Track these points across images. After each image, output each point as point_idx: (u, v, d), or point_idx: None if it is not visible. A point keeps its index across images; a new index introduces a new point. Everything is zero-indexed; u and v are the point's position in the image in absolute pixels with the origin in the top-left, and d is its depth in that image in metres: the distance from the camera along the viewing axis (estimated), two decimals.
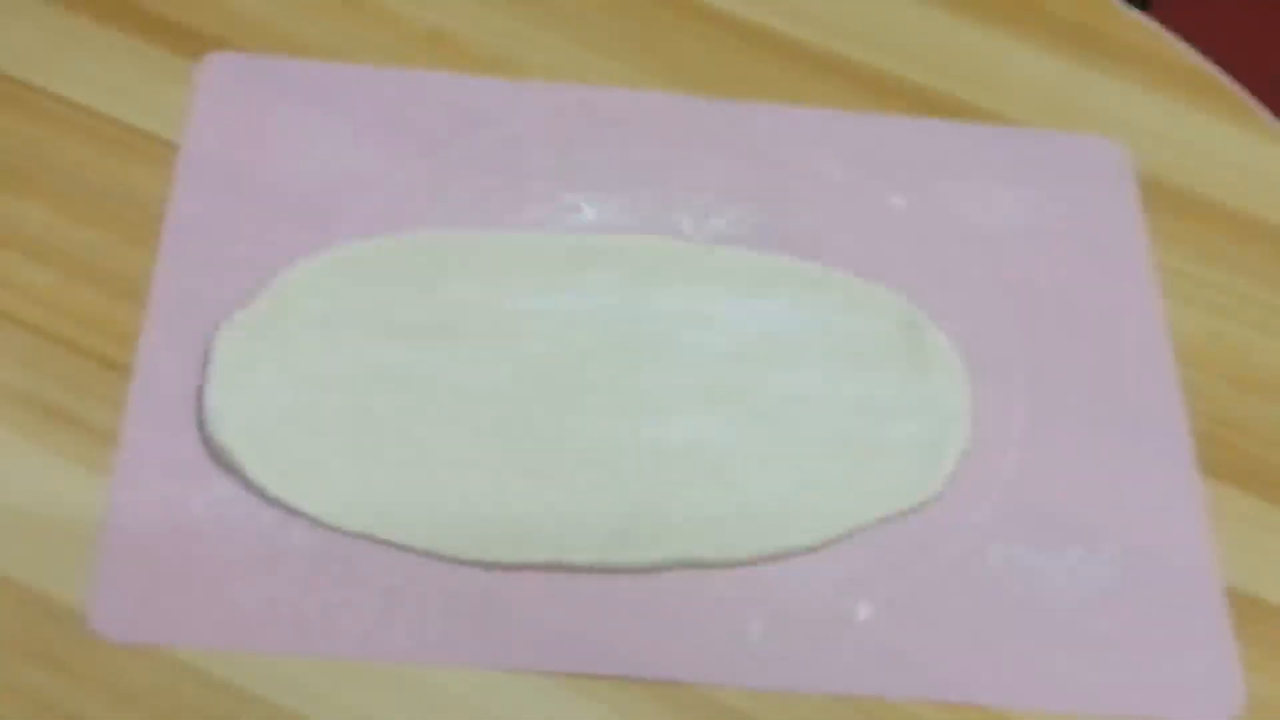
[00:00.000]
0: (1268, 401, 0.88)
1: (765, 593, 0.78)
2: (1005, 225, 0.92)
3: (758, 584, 0.78)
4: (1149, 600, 0.80)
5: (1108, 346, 0.88)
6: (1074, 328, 0.89)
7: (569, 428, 0.82)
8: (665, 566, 0.78)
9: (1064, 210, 0.93)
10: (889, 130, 0.95)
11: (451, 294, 0.85)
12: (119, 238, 0.84)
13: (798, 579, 0.79)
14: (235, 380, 0.80)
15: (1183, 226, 0.94)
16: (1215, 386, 0.88)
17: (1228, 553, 0.82)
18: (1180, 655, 0.79)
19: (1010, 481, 0.83)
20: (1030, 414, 0.85)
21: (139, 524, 0.76)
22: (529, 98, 0.93)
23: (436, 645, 0.75)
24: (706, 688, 0.76)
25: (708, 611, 0.77)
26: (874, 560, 0.80)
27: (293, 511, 0.77)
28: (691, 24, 0.93)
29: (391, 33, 0.94)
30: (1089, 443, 0.85)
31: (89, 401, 0.79)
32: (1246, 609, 0.81)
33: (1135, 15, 1.03)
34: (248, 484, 0.78)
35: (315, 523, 0.77)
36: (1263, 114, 0.99)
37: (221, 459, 0.78)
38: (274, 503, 0.77)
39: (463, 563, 0.77)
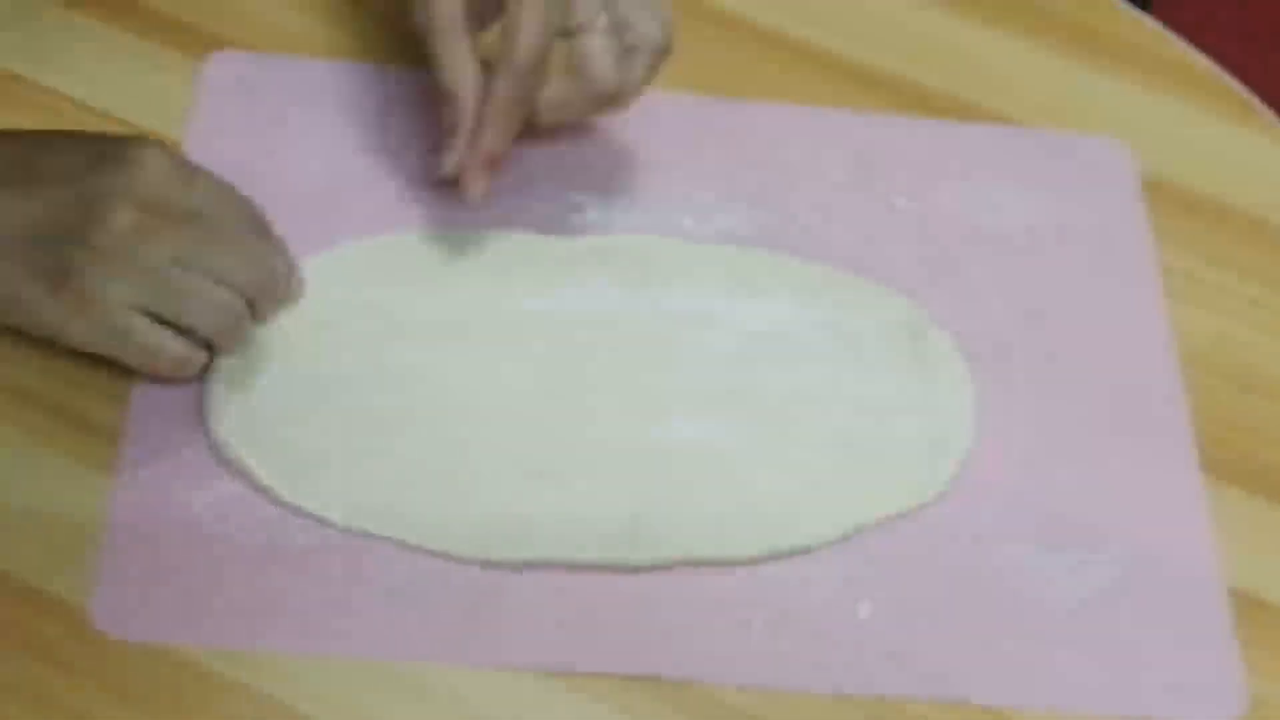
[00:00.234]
0: (1272, 403, 0.88)
1: (767, 592, 0.78)
2: (1008, 226, 0.92)
3: (759, 583, 0.78)
4: (1152, 601, 0.80)
5: (1111, 347, 0.88)
6: (1077, 328, 0.89)
7: (571, 427, 0.82)
8: (667, 566, 0.78)
9: (1067, 211, 0.93)
10: (892, 130, 0.95)
11: (453, 294, 0.85)
12: None
13: (799, 578, 0.79)
14: (238, 379, 0.80)
15: (1187, 228, 0.94)
16: (1219, 387, 0.88)
17: (1231, 554, 0.82)
18: (1183, 656, 0.79)
19: (1013, 482, 0.83)
20: (1033, 415, 0.85)
21: (141, 522, 0.76)
22: None
23: (437, 644, 0.75)
24: (708, 687, 0.76)
25: (709, 611, 0.77)
26: (876, 560, 0.80)
27: (294, 510, 0.77)
28: (694, 24, 0.93)
29: (394, 33, 0.94)
30: (1092, 443, 0.85)
31: (91, 400, 0.79)
32: (1249, 610, 0.81)
33: (1137, 15, 1.02)
34: (249, 483, 0.78)
35: (316, 521, 0.77)
36: (1266, 114, 0.99)
37: (224, 458, 0.78)
38: (275, 501, 0.77)
39: (464, 562, 0.77)
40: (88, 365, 0.80)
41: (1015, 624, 0.79)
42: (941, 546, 0.81)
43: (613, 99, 0.85)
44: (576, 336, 0.84)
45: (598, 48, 0.83)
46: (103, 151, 0.76)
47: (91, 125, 0.87)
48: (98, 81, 0.89)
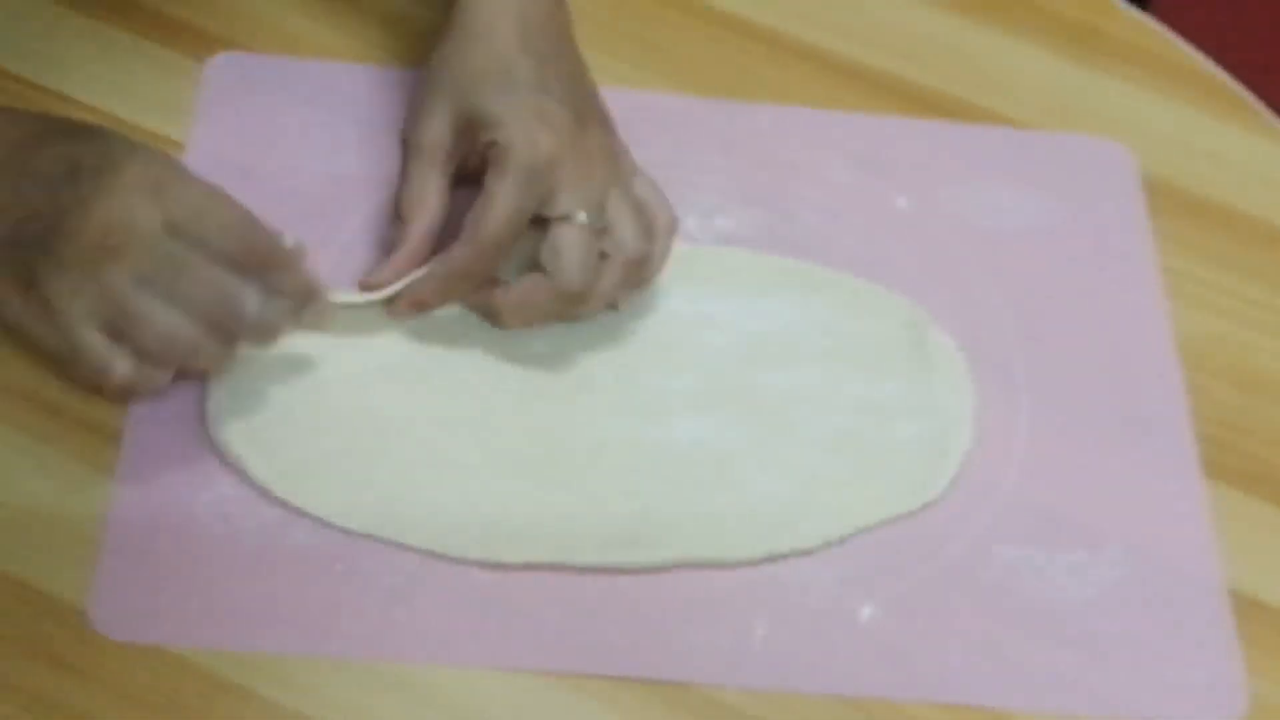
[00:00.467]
0: (1272, 404, 0.88)
1: (768, 593, 0.78)
2: (1009, 227, 0.92)
3: (761, 585, 0.78)
4: (1152, 602, 0.80)
5: (1112, 348, 0.88)
6: (1078, 329, 0.89)
7: (572, 428, 0.82)
8: (668, 567, 0.78)
9: (1068, 212, 0.93)
10: (893, 131, 0.95)
11: None
12: None
13: (800, 580, 0.79)
14: (238, 380, 0.80)
15: (1187, 228, 0.94)
16: (1219, 389, 0.88)
17: (1231, 555, 0.82)
18: (1183, 658, 0.79)
19: (1013, 483, 0.83)
20: (1034, 415, 0.85)
21: (141, 523, 0.76)
22: None
23: (438, 645, 0.75)
24: (709, 688, 0.76)
25: (710, 612, 0.77)
26: (876, 561, 0.80)
27: (294, 511, 0.77)
28: (695, 24, 0.93)
29: (396, 33, 0.94)
30: (1092, 444, 0.85)
31: (92, 400, 0.79)
32: (1250, 612, 0.81)
33: (1137, 15, 1.02)
34: (250, 483, 0.78)
35: (317, 522, 0.77)
36: (1267, 115, 0.99)
37: (224, 458, 0.78)
38: (276, 502, 0.77)
39: (464, 563, 0.77)
40: None
41: (1015, 625, 0.79)
42: (941, 547, 0.81)
43: (577, 300, 0.81)
44: (577, 337, 0.84)
45: (571, 242, 0.80)
46: (82, 161, 0.74)
47: None
48: (98, 82, 0.89)
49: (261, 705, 0.73)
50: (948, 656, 0.78)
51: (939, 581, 0.80)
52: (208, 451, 0.78)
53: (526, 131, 0.80)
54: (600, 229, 0.81)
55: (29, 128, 0.77)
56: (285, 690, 0.73)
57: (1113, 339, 0.89)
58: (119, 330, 0.74)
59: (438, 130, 0.84)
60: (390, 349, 0.82)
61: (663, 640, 0.77)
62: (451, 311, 0.83)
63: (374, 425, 0.80)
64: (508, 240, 0.80)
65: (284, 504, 0.77)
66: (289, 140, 0.89)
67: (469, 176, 0.84)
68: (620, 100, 0.91)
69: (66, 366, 0.76)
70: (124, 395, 0.77)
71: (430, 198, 0.83)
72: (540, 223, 0.81)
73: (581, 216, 0.80)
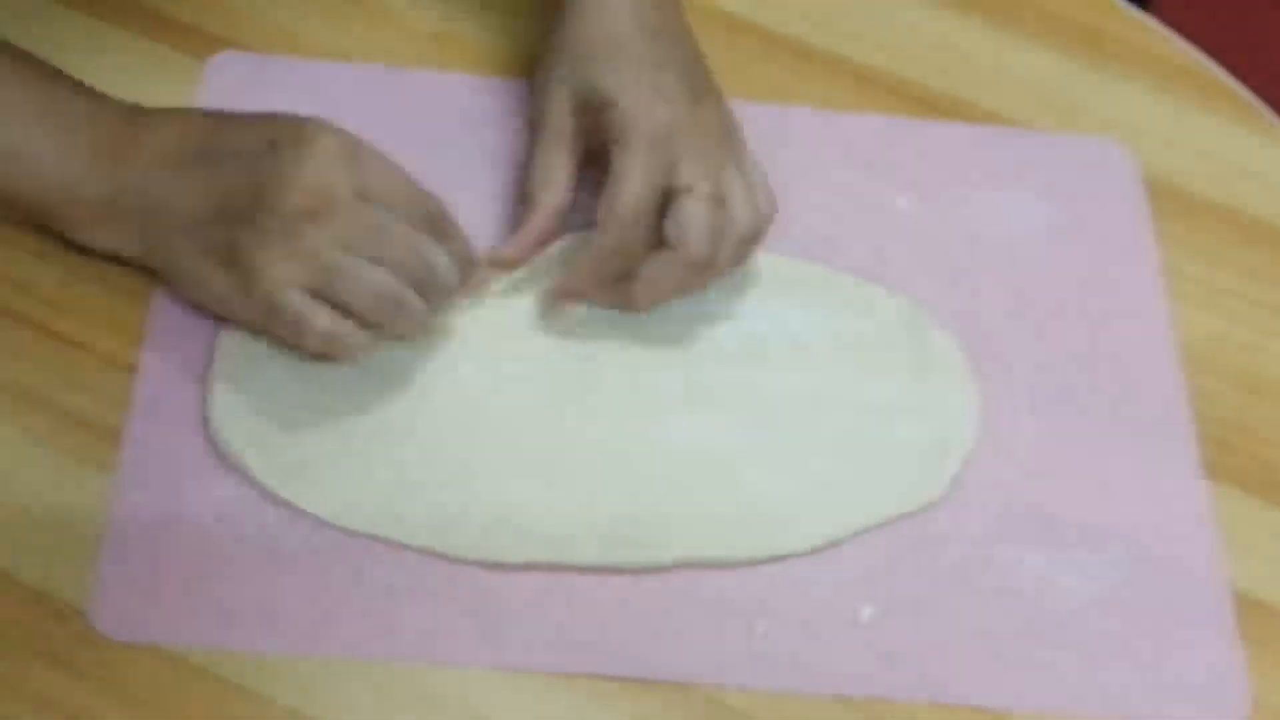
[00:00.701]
0: (1274, 404, 0.88)
1: (768, 593, 0.78)
2: (1011, 227, 0.92)
3: (761, 585, 0.78)
4: (1154, 603, 0.80)
5: (1113, 349, 0.88)
6: (1079, 330, 0.89)
7: (572, 428, 0.81)
8: (668, 567, 0.78)
9: (1070, 212, 0.93)
10: (894, 131, 0.95)
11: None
12: None
13: (801, 580, 0.79)
14: (239, 380, 0.80)
15: (1188, 229, 0.94)
16: (1221, 389, 0.88)
17: (1233, 556, 0.82)
18: (1185, 659, 0.79)
19: (1015, 484, 0.83)
20: (1035, 416, 0.85)
21: (142, 523, 0.76)
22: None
23: (438, 645, 0.75)
24: (709, 688, 0.76)
25: (710, 612, 0.77)
26: (877, 561, 0.80)
27: (295, 511, 0.77)
28: (696, 25, 0.93)
29: (396, 33, 0.94)
30: (1094, 445, 0.85)
31: (93, 400, 0.79)
32: (1252, 612, 0.81)
33: (1137, 15, 1.02)
34: (251, 483, 0.78)
35: (318, 522, 0.77)
36: (1266, 115, 0.99)
37: (225, 458, 0.78)
38: (276, 502, 0.77)
39: (465, 562, 0.77)
40: (91, 365, 0.80)
41: (1016, 626, 0.79)
42: (943, 548, 0.80)
43: (704, 270, 0.83)
44: (578, 337, 0.84)
45: (695, 212, 0.81)
46: (277, 135, 0.78)
47: None
48: (98, 82, 0.88)
49: (261, 704, 0.73)
50: (948, 656, 0.78)
51: (939, 582, 0.80)
52: (208, 451, 0.78)
53: (644, 105, 0.82)
54: (720, 200, 0.82)
55: (220, 116, 0.81)
56: (285, 690, 0.73)
57: (1113, 339, 0.89)
58: (324, 293, 0.77)
59: (558, 110, 0.86)
60: (390, 349, 0.82)
61: (663, 640, 0.77)
62: (452, 313, 0.83)
63: (374, 425, 0.80)
64: (645, 212, 0.82)
65: (284, 504, 0.77)
66: None
67: (592, 157, 0.85)
68: None
69: (271, 327, 0.78)
70: (324, 348, 0.78)
71: (556, 175, 0.85)
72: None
73: (704, 187, 0.81)
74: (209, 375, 0.80)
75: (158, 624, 0.74)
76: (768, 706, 0.76)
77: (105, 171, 0.79)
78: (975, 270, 0.90)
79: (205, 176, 0.78)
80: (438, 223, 0.79)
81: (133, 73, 0.90)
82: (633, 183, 0.81)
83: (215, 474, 0.78)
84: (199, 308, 0.81)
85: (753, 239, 0.84)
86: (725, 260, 0.83)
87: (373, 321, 0.78)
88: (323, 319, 0.77)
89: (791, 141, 0.93)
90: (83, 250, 0.83)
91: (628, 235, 0.82)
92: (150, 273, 0.82)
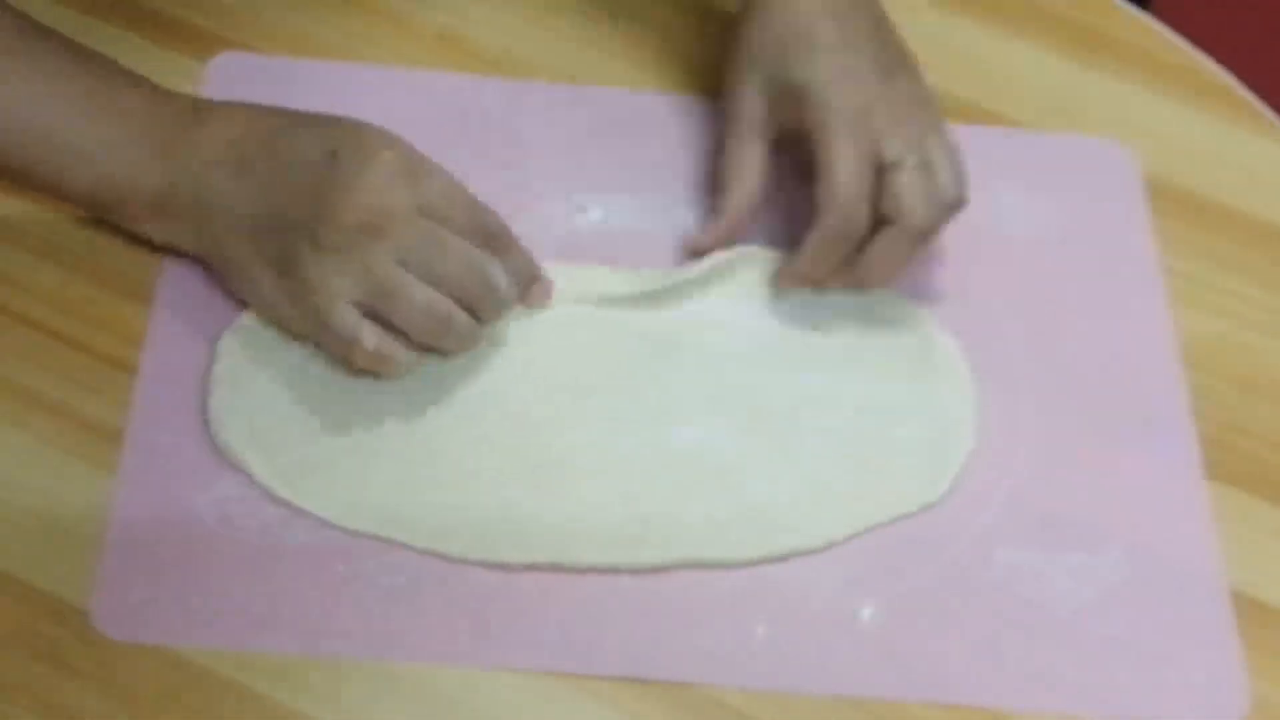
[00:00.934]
0: (1274, 405, 0.88)
1: (769, 594, 0.78)
2: (1010, 227, 0.92)
3: (762, 585, 0.78)
4: (1154, 604, 0.80)
5: (1114, 349, 0.88)
6: (1080, 330, 0.89)
7: (574, 429, 0.81)
8: (669, 567, 0.78)
9: (1070, 212, 0.93)
10: None
11: None
12: (126, 238, 0.83)
13: (802, 580, 0.79)
14: (240, 380, 0.80)
15: (1188, 229, 0.93)
16: (1221, 390, 0.88)
17: (1233, 556, 0.82)
18: (1185, 659, 0.79)
19: (1015, 484, 0.83)
20: (1036, 417, 0.85)
21: (143, 523, 0.76)
22: (535, 98, 0.93)
23: (438, 645, 0.75)
24: (710, 688, 0.76)
25: (712, 612, 0.77)
26: (878, 562, 0.80)
27: (296, 511, 0.77)
28: (694, 24, 0.93)
29: (399, 33, 0.94)
30: (1094, 446, 0.85)
31: (94, 400, 0.79)
32: (1252, 613, 0.81)
33: (1137, 15, 1.02)
34: (252, 483, 0.78)
35: (318, 522, 0.77)
36: (1267, 115, 0.99)
37: (226, 458, 0.78)
38: (277, 502, 0.78)
39: (466, 563, 0.77)
40: (92, 365, 0.80)
41: (1017, 626, 0.79)
42: (943, 548, 0.81)
43: (928, 238, 0.84)
44: (579, 339, 0.84)
45: (908, 183, 0.82)
46: (339, 145, 0.78)
47: None
48: None
49: (261, 705, 0.73)
50: (948, 657, 0.78)
51: (940, 582, 0.79)
52: (209, 451, 0.78)
53: (835, 90, 0.83)
54: (930, 168, 0.83)
55: (282, 117, 0.81)
56: (285, 690, 0.73)
57: (1114, 339, 0.89)
58: (376, 309, 0.77)
59: (750, 101, 0.86)
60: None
61: (664, 640, 0.77)
62: None
63: (374, 425, 0.80)
64: (864, 192, 0.83)
65: (285, 504, 0.77)
66: None
67: (786, 145, 0.86)
68: (623, 100, 0.91)
69: (319, 339, 0.79)
70: (371, 366, 0.78)
71: (749, 165, 0.86)
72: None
73: (911, 159, 0.82)
74: (210, 376, 0.80)
75: (158, 624, 0.74)
76: (768, 706, 0.76)
77: (161, 166, 0.79)
78: (976, 271, 0.90)
79: (264, 180, 0.78)
80: (497, 238, 0.80)
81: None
82: (843, 166, 0.82)
83: (216, 474, 0.78)
84: (199, 308, 0.81)
85: (958, 204, 0.85)
86: (938, 230, 0.84)
87: (421, 341, 0.78)
88: (372, 338, 0.77)
89: None
90: (83, 250, 0.83)
91: (851, 218, 0.83)
92: (150, 273, 0.82)
